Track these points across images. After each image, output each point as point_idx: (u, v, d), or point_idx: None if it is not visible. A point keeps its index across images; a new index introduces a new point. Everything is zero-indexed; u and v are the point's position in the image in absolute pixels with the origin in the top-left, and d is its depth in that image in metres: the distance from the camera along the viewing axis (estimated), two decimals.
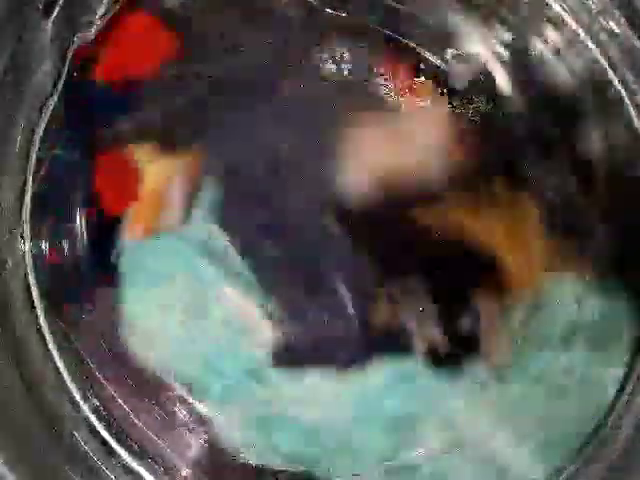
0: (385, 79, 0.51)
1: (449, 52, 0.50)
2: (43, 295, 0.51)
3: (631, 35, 0.43)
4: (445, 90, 0.50)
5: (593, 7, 0.45)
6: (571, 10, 0.47)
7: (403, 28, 0.50)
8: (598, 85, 0.47)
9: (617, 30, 0.44)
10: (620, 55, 0.46)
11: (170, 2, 0.50)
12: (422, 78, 0.50)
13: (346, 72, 0.51)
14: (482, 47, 0.50)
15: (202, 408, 0.52)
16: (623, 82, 0.46)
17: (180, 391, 0.52)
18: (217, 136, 0.52)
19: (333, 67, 0.51)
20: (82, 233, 0.52)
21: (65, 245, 0.52)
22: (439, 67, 0.50)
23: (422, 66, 0.50)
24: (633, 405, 0.47)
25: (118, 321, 0.52)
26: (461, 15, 0.50)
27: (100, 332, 0.52)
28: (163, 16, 0.51)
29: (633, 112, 0.46)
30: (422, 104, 0.51)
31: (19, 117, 0.48)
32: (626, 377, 0.48)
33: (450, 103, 0.51)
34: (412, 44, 0.51)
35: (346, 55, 0.51)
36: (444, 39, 0.50)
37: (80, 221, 0.52)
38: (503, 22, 0.50)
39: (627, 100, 0.46)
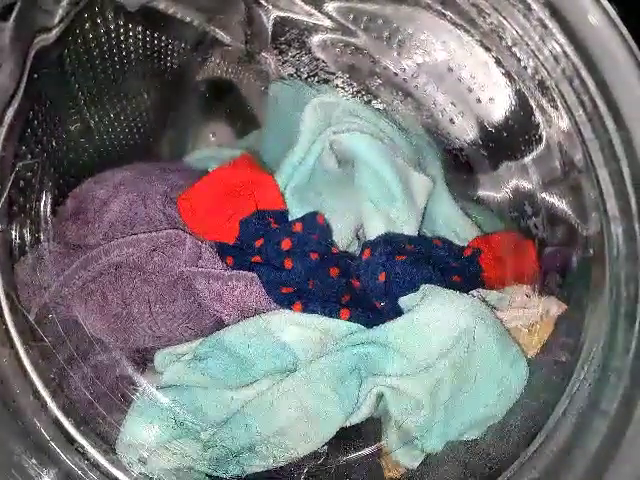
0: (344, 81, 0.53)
1: (405, 59, 0.53)
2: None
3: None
4: (400, 93, 0.53)
5: None
6: None
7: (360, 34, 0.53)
8: None
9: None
10: None
11: None
12: (378, 80, 0.53)
13: (305, 75, 0.53)
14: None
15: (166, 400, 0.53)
16: None
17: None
18: None
19: (292, 70, 0.53)
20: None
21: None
22: (396, 74, 0.53)
23: (377, 69, 0.53)
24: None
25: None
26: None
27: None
28: None
29: None
30: None
31: None
32: None
33: None
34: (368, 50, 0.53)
35: (305, 59, 0.53)
36: (400, 46, 0.52)
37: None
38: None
39: None
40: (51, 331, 0.53)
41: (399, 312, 0.53)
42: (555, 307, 0.52)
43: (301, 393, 0.51)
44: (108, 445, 0.52)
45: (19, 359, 0.51)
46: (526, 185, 0.54)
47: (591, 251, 0.49)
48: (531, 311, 0.53)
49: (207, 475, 0.53)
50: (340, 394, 0.52)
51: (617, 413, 0.45)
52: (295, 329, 0.53)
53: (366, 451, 0.57)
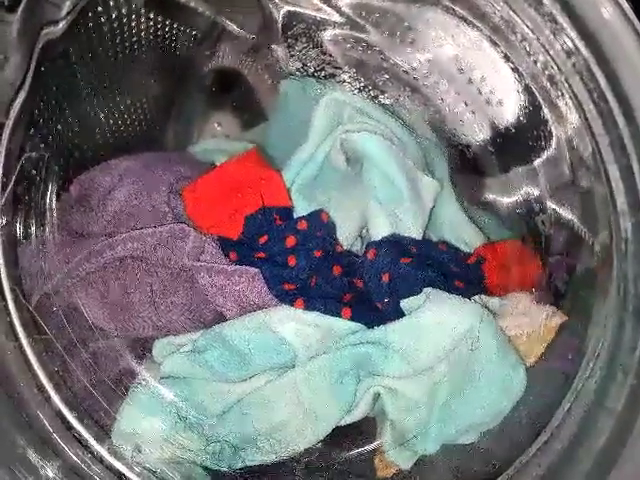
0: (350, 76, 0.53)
1: (413, 55, 0.52)
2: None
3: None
4: (407, 88, 0.53)
5: None
6: None
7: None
8: None
9: None
10: None
11: None
12: (386, 76, 0.53)
13: (312, 69, 0.53)
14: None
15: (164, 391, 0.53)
16: None
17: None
18: None
19: (299, 64, 0.53)
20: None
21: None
22: (403, 69, 0.52)
23: (385, 65, 0.53)
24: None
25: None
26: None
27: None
28: None
29: None
30: None
31: None
32: None
33: None
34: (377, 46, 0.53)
35: (312, 53, 0.53)
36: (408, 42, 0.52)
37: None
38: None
39: None
40: (52, 320, 0.52)
41: (401, 314, 0.53)
42: (557, 317, 0.52)
43: (298, 389, 0.52)
44: (111, 438, 0.52)
45: (23, 352, 0.50)
46: (535, 189, 0.54)
47: (598, 257, 0.49)
48: (533, 319, 0.52)
49: (205, 468, 0.53)
50: (337, 392, 0.52)
51: (623, 410, 0.45)
52: (295, 326, 0.53)
53: (361, 450, 0.57)
